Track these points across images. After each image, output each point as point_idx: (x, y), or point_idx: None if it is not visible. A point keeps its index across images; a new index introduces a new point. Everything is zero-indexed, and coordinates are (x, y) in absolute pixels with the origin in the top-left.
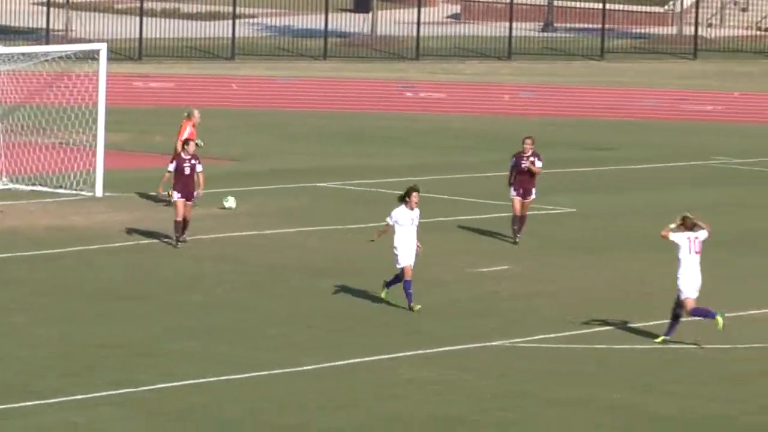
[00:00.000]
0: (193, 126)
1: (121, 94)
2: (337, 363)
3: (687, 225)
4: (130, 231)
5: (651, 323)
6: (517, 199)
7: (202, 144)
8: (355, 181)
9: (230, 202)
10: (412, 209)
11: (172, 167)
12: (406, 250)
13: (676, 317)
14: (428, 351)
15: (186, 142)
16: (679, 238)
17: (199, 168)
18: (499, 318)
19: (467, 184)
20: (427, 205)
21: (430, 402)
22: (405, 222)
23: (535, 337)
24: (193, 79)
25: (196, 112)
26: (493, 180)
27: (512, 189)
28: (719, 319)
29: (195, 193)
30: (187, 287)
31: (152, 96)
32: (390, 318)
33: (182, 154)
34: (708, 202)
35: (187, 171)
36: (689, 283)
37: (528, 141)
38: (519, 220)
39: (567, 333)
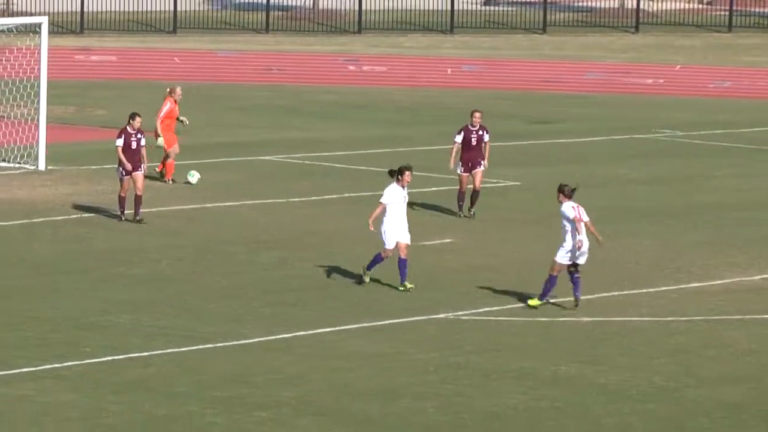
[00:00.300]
0: (175, 102)
1: (63, 67)
2: (281, 336)
3: (566, 194)
4: (73, 204)
5: (594, 296)
6: (465, 176)
7: (187, 122)
8: (297, 154)
9: (194, 177)
10: (403, 187)
11: (120, 142)
12: (398, 229)
13: (572, 278)
14: (373, 324)
15: (132, 116)
16: (567, 207)
17: (143, 141)
18: (444, 291)
19: (409, 158)
20: (370, 178)
21: (373, 374)
22: (398, 200)
23: (480, 310)
24: (135, 53)
25: (178, 89)
26: (436, 153)
27: (459, 164)
28: (535, 301)
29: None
30: (129, 261)
31: (94, 69)
32: (334, 291)
33: (128, 129)
34: (652, 175)
35: (134, 145)
36: (570, 248)
37: (477, 114)
38: (472, 194)
39: (510, 306)
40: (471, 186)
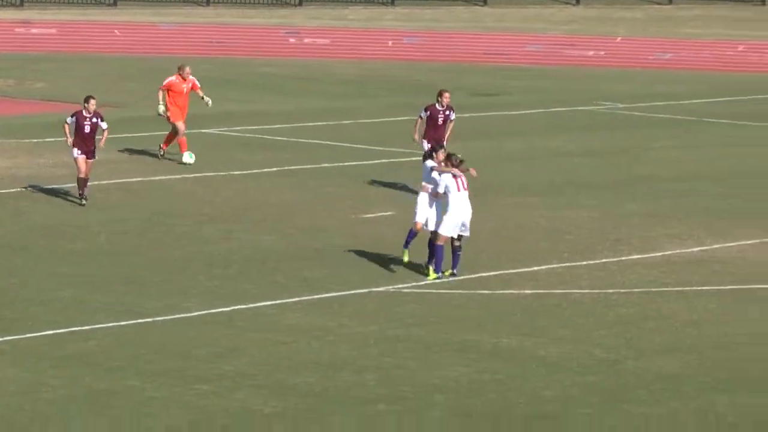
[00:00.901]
0: (183, 79)
1: (2, 40)
2: (221, 309)
3: (453, 163)
4: (13, 178)
5: (533, 268)
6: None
7: (208, 102)
8: (239, 127)
9: (191, 158)
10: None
11: (70, 120)
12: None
13: (453, 251)
14: (312, 297)
15: (86, 99)
16: (448, 178)
17: (103, 125)
18: (384, 264)
19: (351, 130)
20: (311, 151)
21: (313, 348)
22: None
23: (421, 283)
24: (75, 25)
25: (187, 67)
26: (378, 126)
27: (424, 142)
28: (431, 273)
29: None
30: (70, 235)
31: (34, 42)
32: (275, 264)
33: (83, 112)
34: (591, 147)
35: (87, 129)
36: (455, 220)
37: (446, 95)
38: None
39: (452, 279)
40: None
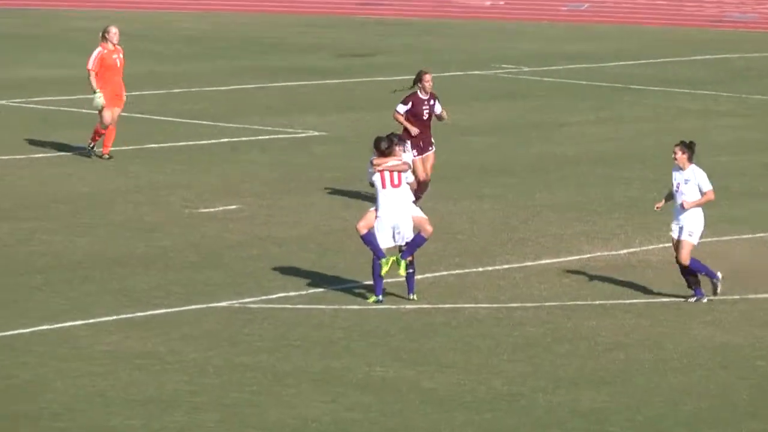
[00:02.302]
0: (114, 46)
1: None
2: (18, 331)
3: (383, 151)
4: None
5: (416, 277)
6: (417, 161)
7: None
8: (39, 98)
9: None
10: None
11: None
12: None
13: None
14: (135, 315)
15: None
16: (375, 173)
17: None
18: (227, 272)
19: (183, 101)
20: (132, 127)
21: (136, 380)
22: None
23: (272, 296)
24: None
25: (112, 28)
26: (217, 96)
27: (412, 149)
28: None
29: None
30: None
31: None
32: (87, 272)
33: None
34: (492, 121)
35: None
36: (384, 225)
37: (428, 77)
38: (419, 186)
39: (313, 290)
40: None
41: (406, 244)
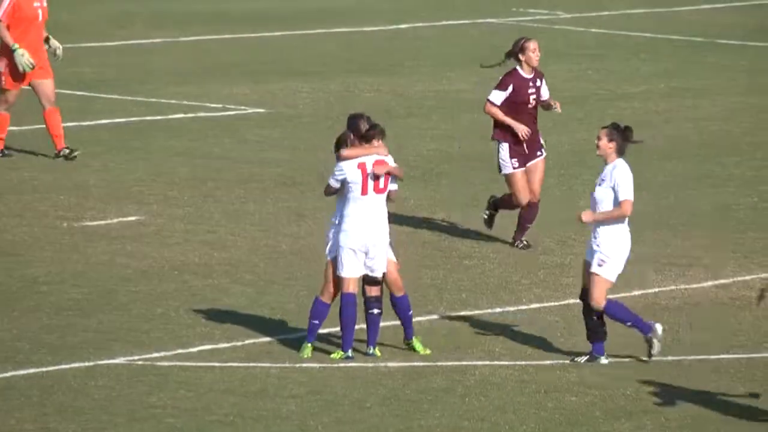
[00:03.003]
0: None
1: None
2: None
3: (363, 135)
4: None
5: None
6: (519, 173)
7: (58, 50)
8: None
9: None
10: None
11: None
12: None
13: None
14: None
15: None
16: (350, 168)
17: None
18: (124, 315)
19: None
20: None
21: None
22: None
23: (191, 350)
24: None
25: None
26: (115, 55)
27: (509, 157)
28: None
29: None
30: None
31: None
32: None
33: None
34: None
35: None
36: (356, 244)
37: (534, 46)
38: (529, 209)
39: (246, 341)
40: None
41: (401, 318)
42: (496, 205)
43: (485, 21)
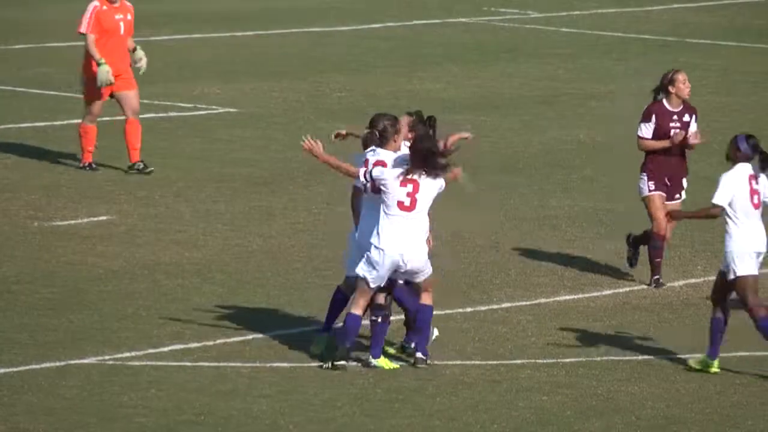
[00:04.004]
0: (109, 2)
1: None
2: None
3: (382, 135)
4: None
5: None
6: (658, 197)
7: (143, 63)
8: None
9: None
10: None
11: None
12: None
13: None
14: None
15: None
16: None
17: None
18: (95, 314)
19: (26, 61)
20: None
21: None
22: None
23: (163, 350)
24: None
25: None
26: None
27: (647, 179)
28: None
29: None
30: None
31: None
32: None
33: None
34: (480, 91)
35: None
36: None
37: (681, 77)
38: (659, 242)
39: (218, 341)
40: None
41: (411, 326)
42: (636, 242)
43: (457, 20)
